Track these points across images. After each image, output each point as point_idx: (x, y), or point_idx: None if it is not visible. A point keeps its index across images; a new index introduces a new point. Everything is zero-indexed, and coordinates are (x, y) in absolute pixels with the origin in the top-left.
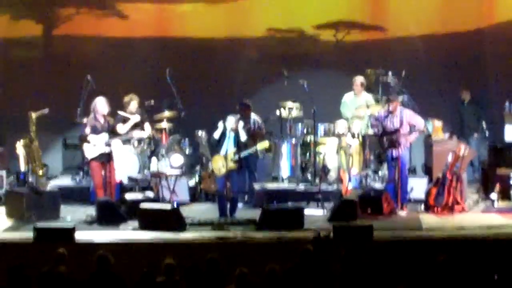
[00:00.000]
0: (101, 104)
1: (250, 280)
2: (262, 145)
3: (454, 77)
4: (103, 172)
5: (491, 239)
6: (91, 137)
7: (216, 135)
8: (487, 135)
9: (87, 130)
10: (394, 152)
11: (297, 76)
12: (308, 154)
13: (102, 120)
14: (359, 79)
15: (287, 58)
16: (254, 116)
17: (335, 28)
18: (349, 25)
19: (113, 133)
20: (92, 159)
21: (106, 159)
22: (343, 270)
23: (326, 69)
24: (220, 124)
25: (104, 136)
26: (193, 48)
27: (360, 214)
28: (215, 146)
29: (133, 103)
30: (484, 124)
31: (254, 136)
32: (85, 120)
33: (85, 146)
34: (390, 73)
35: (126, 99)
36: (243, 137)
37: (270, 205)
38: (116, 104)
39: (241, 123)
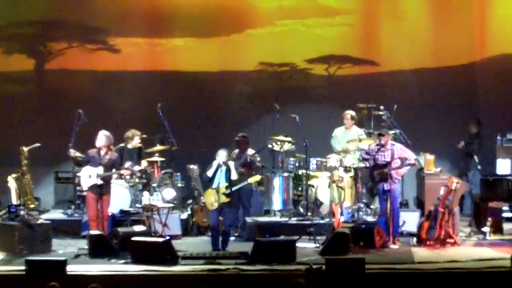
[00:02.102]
0: (97, 137)
1: None
2: (254, 178)
3: (446, 110)
4: (96, 205)
5: (483, 272)
6: (87, 168)
7: (210, 173)
8: (479, 168)
9: (83, 160)
10: (386, 186)
11: (289, 110)
12: (300, 187)
13: (102, 153)
14: (349, 114)
15: (279, 92)
16: (250, 151)
17: (327, 62)
18: (341, 59)
19: (112, 167)
20: (88, 191)
21: (99, 191)
22: None
23: (318, 103)
24: (214, 163)
25: (99, 169)
26: (185, 82)
27: (352, 247)
28: (208, 182)
29: (137, 138)
30: (476, 158)
31: (248, 168)
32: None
33: (82, 176)
34: (382, 107)
35: (129, 134)
36: (234, 175)
37: (262, 238)
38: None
39: (231, 163)
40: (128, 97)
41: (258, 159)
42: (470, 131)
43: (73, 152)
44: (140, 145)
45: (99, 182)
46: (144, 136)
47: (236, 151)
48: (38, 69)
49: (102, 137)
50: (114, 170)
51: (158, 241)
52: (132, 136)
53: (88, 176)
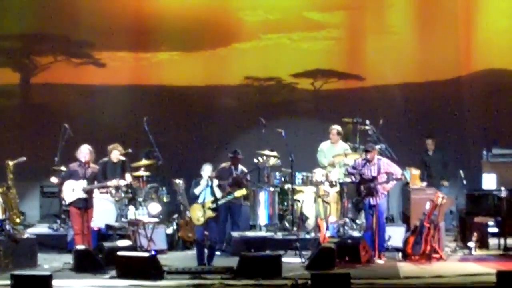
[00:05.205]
0: (81, 152)
1: None
2: (240, 192)
3: (432, 125)
4: (81, 219)
5: (468, 287)
6: (70, 182)
7: (197, 191)
8: (464, 183)
9: (65, 174)
10: (372, 200)
11: (274, 124)
12: (286, 202)
13: (85, 167)
14: (335, 128)
15: (265, 106)
16: (240, 166)
17: (313, 76)
18: (326, 73)
19: (94, 180)
20: (71, 205)
21: (84, 205)
22: None
23: (303, 118)
24: (203, 182)
25: (83, 182)
26: (170, 96)
27: (337, 262)
28: (194, 199)
29: (115, 152)
30: (461, 173)
31: (237, 184)
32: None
33: (65, 190)
34: (367, 121)
35: (109, 147)
36: (218, 193)
37: (248, 253)
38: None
39: (215, 181)
40: (114, 111)
41: (248, 177)
42: (428, 148)
43: (54, 179)
44: (123, 158)
45: (83, 195)
46: (129, 150)
47: (227, 165)
48: (23, 83)
49: (87, 152)
50: (96, 183)
51: (144, 255)
52: (111, 150)
53: (72, 190)
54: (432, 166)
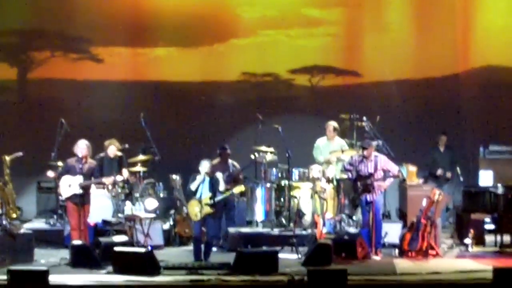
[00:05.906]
0: (78, 147)
1: None
2: (238, 189)
3: (429, 122)
4: (78, 214)
5: (465, 284)
6: (67, 177)
7: (193, 186)
8: (461, 179)
9: (62, 170)
10: (368, 197)
11: (271, 120)
12: (282, 198)
13: (81, 162)
14: (331, 125)
15: (262, 102)
16: (230, 160)
17: (310, 72)
18: (324, 70)
19: (91, 176)
20: (68, 200)
21: (80, 201)
22: None
23: (301, 114)
24: (199, 177)
25: (79, 178)
26: (167, 92)
27: (334, 258)
28: (191, 195)
29: (112, 148)
30: (458, 169)
31: (234, 180)
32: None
33: (61, 185)
34: (364, 118)
35: (106, 143)
36: (222, 186)
37: (244, 249)
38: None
39: (219, 174)
40: (111, 107)
41: (241, 171)
42: (439, 144)
43: (51, 173)
44: (120, 154)
45: (79, 191)
46: (126, 145)
47: (217, 161)
48: (20, 78)
49: (85, 147)
50: (93, 179)
51: (141, 251)
52: (107, 145)
53: (68, 185)
54: (441, 163)
